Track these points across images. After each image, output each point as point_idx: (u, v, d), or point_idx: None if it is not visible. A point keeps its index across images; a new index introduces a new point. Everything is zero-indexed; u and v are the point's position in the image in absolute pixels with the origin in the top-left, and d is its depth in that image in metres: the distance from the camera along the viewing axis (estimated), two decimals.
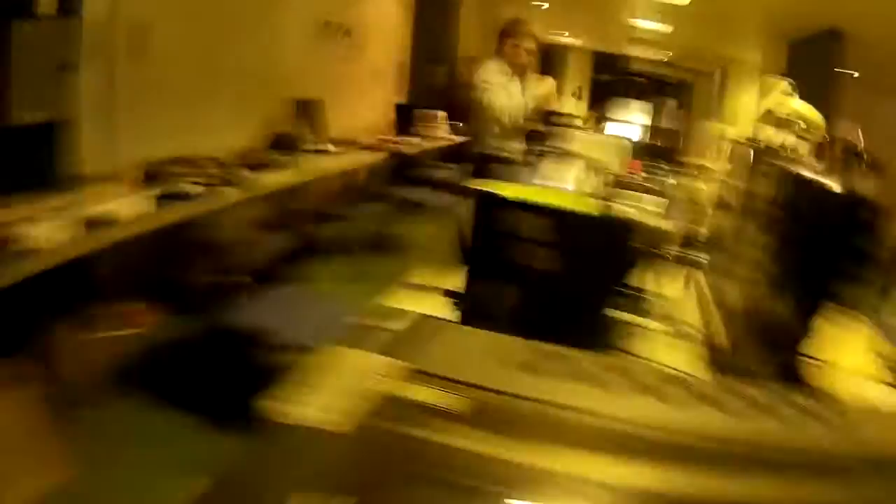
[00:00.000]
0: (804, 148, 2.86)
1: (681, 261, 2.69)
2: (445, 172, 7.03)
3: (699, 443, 1.29)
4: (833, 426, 1.35)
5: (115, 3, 3.58)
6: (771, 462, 1.27)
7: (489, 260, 1.76)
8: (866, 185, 1.54)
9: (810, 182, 1.75)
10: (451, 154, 7.64)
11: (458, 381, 1.30)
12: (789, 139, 2.89)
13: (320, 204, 5.87)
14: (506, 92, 4.30)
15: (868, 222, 1.44)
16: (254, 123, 5.11)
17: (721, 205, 3.33)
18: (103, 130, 3.60)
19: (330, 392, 1.16)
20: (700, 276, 2.71)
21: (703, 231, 3.09)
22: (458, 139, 7.61)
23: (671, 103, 17.33)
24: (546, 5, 10.44)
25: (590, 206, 1.76)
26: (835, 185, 1.60)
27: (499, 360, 1.43)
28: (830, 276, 1.48)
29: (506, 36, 4.40)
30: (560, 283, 1.70)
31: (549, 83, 4.54)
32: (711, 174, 5.76)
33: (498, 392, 1.33)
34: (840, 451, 1.28)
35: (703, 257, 2.77)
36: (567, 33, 14.31)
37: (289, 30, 5.53)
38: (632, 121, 17.05)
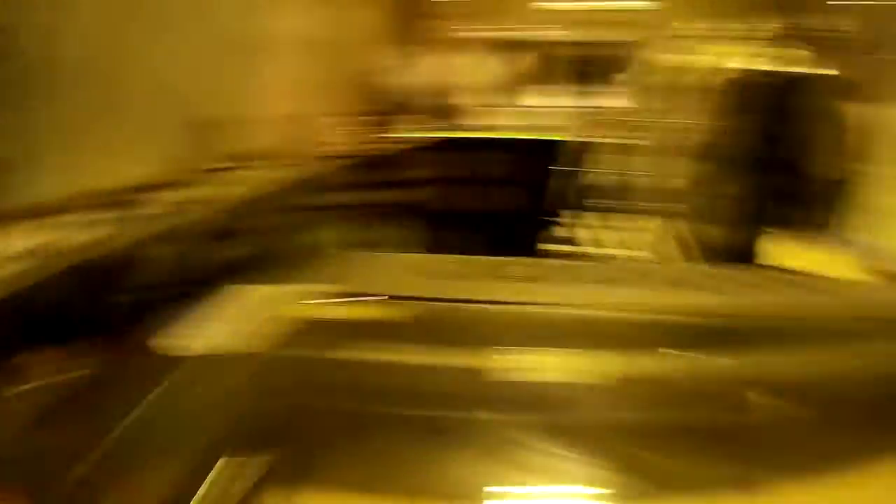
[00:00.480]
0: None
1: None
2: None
3: (670, 320, 1.39)
4: (818, 294, 1.47)
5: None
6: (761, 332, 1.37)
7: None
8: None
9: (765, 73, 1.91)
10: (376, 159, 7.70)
11: (391, 296, 1.35)
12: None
13: (243, 219, 5.88)
14: (413, 72, 4.35)
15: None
16: (163, 147, 5.07)
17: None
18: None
19: (241, 320, 1.18)
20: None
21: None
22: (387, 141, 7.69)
23: (614, 77, 17.65)
24: None
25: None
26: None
27: (428, 274, 1.48)
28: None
29: (422, 18, 4.45)
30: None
31: (526, 60, 4.63)
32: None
33: (439, 300, 1.37)
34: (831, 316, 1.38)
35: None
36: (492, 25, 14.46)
37: (190, 49, 5.51)
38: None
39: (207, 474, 0.92)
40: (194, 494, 0.89)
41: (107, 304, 4.06)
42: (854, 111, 5.42)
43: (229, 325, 1.20)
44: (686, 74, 4.79)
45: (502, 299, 1.45)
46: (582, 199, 3.94)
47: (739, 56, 5.20)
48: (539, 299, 1.44)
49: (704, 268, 1.41)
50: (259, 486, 0.94)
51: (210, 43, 6.13)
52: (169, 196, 4.18)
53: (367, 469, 1.04)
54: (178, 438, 1.02)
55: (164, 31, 5.28)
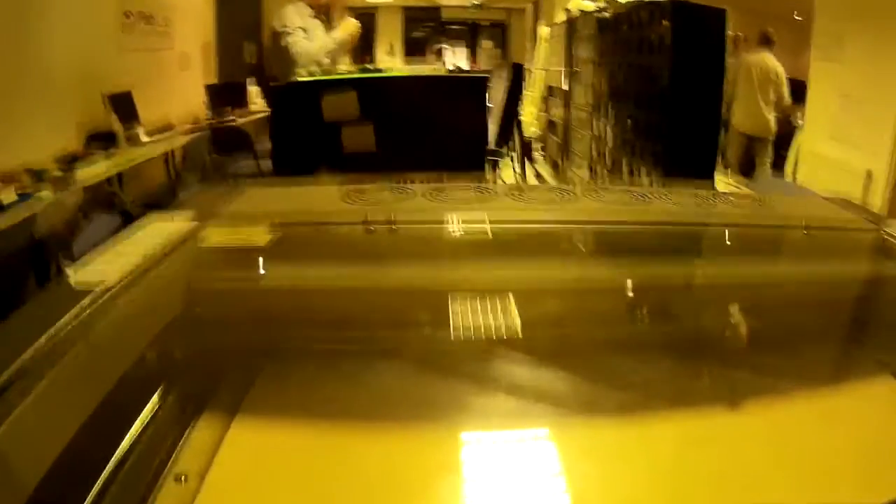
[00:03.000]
0: None
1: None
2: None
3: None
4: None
5: None
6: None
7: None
8: None
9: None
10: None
11: (279, 223, 1.32)
12: None
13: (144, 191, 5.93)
14: (306, 34, 4.37)
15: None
16: (65, 123, 5.05)
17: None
18: None
19: (152, 250, 1.14)
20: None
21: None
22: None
23: (487, 44, 17.79)
24: None
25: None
26: None
27: (324, 200, 1.49)
28: None
29: None
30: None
31: (352, 23, 4.65)
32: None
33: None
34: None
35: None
36: None
37: (89, 23, 5.48)
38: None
39: (139, 409, 0.90)
40: (126, 430, 0.85)
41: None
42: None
43: (142, 255, 1.14)
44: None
45: (421, 219, 1.42)
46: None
47: None
48: (472, 218, 1.41)
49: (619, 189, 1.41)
50: (194, 420, 0.91)
51: (112, 16, 6.06)
52: (78, 174, 4.24)
53: (317, 396, 1.01)
54: (96, 371, 0.94)
55: (68, 5, 5.23)
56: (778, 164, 6.14)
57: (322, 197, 1.60)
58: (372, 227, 1.36)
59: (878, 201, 3.62)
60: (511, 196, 1.55)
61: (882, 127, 3.67)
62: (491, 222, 1.41)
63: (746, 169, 6.53)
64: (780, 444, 0.92)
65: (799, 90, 5.53)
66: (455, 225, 1.40)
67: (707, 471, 0.87)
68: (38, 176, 3.97)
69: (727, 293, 1.36)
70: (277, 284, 1.30)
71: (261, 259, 1.28)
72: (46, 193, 3.85)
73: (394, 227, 1.35)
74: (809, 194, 2.46)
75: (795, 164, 5.08)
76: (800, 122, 5.54)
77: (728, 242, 1.52)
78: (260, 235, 1.27)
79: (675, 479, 0.86)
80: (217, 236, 1.29)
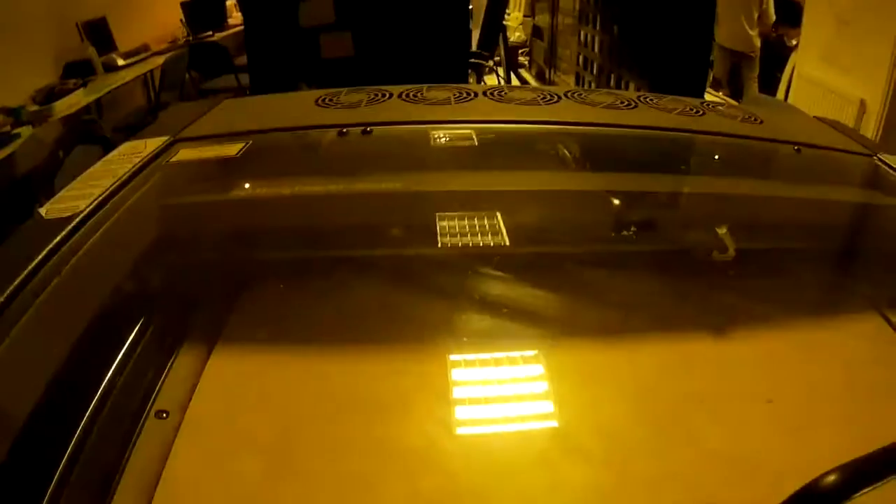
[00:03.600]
0: None
1: None
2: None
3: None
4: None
5: None
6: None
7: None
8: None
9: None
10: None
11: (282, 128, 1.30)
12: None
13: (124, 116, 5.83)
14: None
15: None
16: (41, 58, 4.93)
17: None
18: None
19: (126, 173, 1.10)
20: None
21: None
22: None
23: None
24: None
25: None
26: None
27: (298, 107, 1.42)
28: None
29: None
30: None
31: None
32: None
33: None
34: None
35: None
36: None
37: None
38: None
39: (119, 344, 0.88)
40: (107, 366, 0.84)
41: None
42: None
43: (112, 180, 1.11)
44: None
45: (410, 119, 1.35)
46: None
47: None
48: (457, 117, 1.35)
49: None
50: (174, 352, 0.90)
51: None
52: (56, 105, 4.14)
53: (295, 320, 1.00)
54: (73, 307, 0.92)
55: None
56: (771, 86, 6.05)
57: (297, 105, 1.54)
58: (345, 131, 1.30)
59: (870, 132, 3.57)
60: (491, 97, 1.48)
61: (878, 57, 3.59)
62: (471, 124, 1.36)
63: (734, 89, 6.45)
64: (763, 374, 0.92)
65: (796, 12, 5.40)
66: (434, 127, 1.35)
67: (687, 395, 0.86)
68: (15, 114, 3.87)
69: (714, 207, 1.33)
70: (250, 194, 1.26)
71: (232, 169, 1.23)
72: (24, 130, 3.76)
73: (368, 130, 1.30)
74: (801, 114, 2.41)
75: (788, 86, 4.99)
76: (794, 42, 5.43)
77: (716, 154, 1.49)
78: (231, 146, 1.22)
79: (655, 403, 0.86)
80: (189, 151, 1.24)
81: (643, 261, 1.18)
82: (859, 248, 1.31)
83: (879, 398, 0.87)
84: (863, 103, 3.69)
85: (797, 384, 0.90)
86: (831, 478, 0.49)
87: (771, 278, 1.15)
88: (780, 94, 5.21)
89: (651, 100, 1.51)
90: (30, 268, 0.89)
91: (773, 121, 1.54)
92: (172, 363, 0.89)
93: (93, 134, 4.89)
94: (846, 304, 1.13)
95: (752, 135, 1.42)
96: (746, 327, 1.02)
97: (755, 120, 1.48)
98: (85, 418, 0.77)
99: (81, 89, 4.53)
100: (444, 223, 1.10)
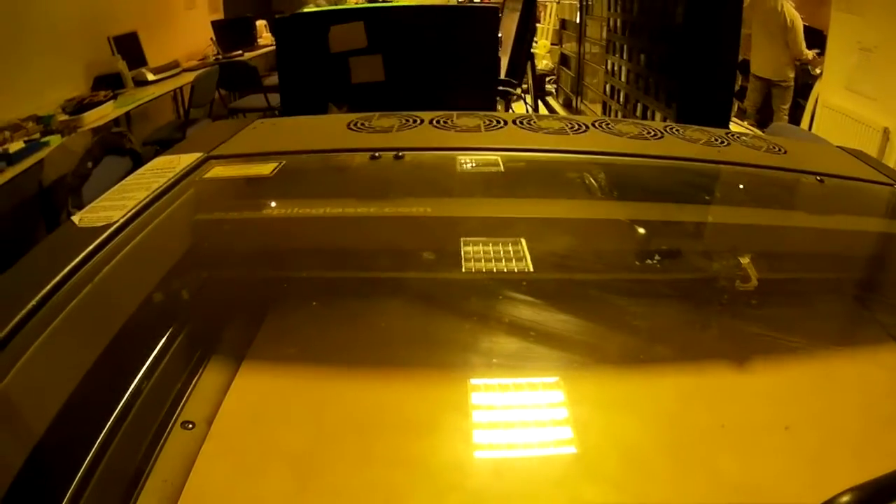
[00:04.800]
0: None
1: None
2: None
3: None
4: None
5: None
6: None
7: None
8: None
9: None
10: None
11: (311, 150, 1.33)
12: None
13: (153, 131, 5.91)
14: None
15: None
16: (72, 69, 5.03)
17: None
18: None
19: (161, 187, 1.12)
20: None
21: None
22: None
23: None
24: None
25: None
26: None
27: (330, 130, 1.44)
28: None
29: None
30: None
31: None
32: None
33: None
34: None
35: None
36: None
37: None
38: None
39: (147, 354, 0.89)
40: (134, 375, 0.85)
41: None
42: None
43: (146, 193, 1.12)
44: None
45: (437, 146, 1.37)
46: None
47: None
48: (485, 145, 1.37)
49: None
50: (203, 365, 0.91)
51: None
52: (86, 117, 4.20)
53: (323, 338, 1.00)
54: (103, 315, 0.93)
55: None
56: (796, 114, 6.05)
57: (329, 127, 1.57)
58: (377, 154, 1.32)
59: (893, 160, 3.55)
60: (520, 125, 1.50)
61: None
62: (499, 151, 1.38)
63: (764, 118, 6.44)
64: (781, 405, 0.92)
65: (820, 40, 5.41)
66: (463, 153, 1.37)
67: (706, 426, 0.86)
68: (44, 122, 3.93)
69: (737, 237, 1.33)
70: (282, 214, 1.27)
71: (265, 188, 1.25)
72: (54, 139, 3.81)
73: (399, 154, 1.32)
74: (824, 143, 2.41)
75: (812, 115, 4.99)
76: (818, 70, 5.42)
77: (740, 184, 1.49)
78: (265, 166, 1.25)
79: (673, 432, 0.86)
80: (222, 169, 1.26)
81: (666, 289, 1.19)
82: (879, 277, 1.31)
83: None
84: (886, 132, 3.67)
85: (815, 413, 0.91)
86: (845, 498, 0.49)
87: (791, 307, 1.16)
88: (805, 123, 5.21)
89: (676, 130, 1.52)
90: (62, 274, 0.90)
91: (796, 151, 1.55)
92: (200, 375, 0.90)
93: (122, 146, 4.97)
94: (865, 333, 1.13)
95: (775, 165, 1.43)
96: (766, 357, 1.01)
97: (779, 150, 1.49)
98: (109, 424, 0.78)
99: (111, 102, 4.60)
100: (469, 248, 1.11)
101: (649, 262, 1.20)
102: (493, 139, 1.39)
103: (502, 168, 1.34)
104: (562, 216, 1.31)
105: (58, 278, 0.89)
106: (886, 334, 1.09)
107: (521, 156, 1.39)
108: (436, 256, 1.18)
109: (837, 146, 1.70)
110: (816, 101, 4.89)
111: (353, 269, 1.17)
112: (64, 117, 4.10)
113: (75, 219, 1.05)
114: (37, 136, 3.80)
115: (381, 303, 1.07)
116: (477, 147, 1.36)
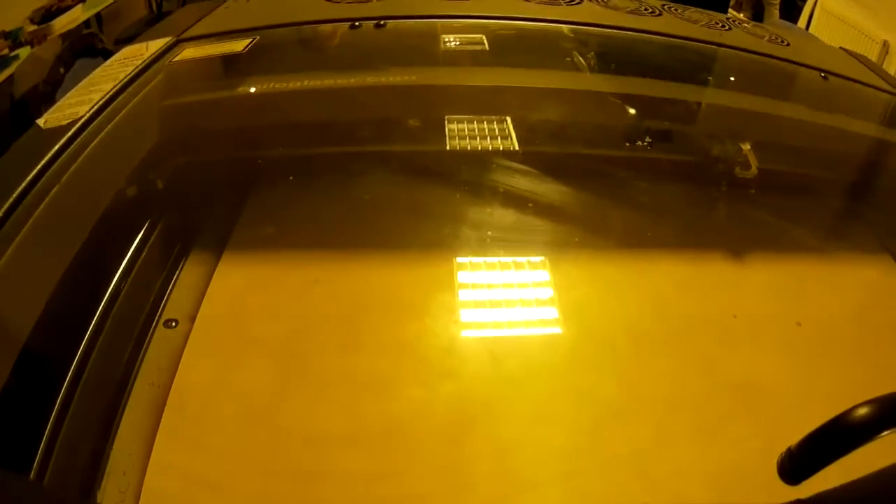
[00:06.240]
0: None
1: None
2: None
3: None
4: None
5: None
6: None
7: None
8: None
9: None
10: None
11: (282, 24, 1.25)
12: None
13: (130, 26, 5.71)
14: None
15: None
16: None
17: None
18: None
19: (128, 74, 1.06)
20: None
21: None
22: None
23: None
24: None
25: None
26: None
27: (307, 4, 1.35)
28: None
29: None
30: None
31: None
32: None
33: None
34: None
35: None
36: None
37: None
38: None
39: (125, 251, 0.85)
40: (113, 274, 0.81)
41: None
42: None
43: (112, 83, 1.05)
44: None
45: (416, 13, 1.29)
46: None
47: None
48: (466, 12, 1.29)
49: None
50: (182, 260, 0.87)
51: None
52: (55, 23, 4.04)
53: (304, 222, 0.97)
54: (77, 213, 0.89)
55: None
56: (791, 15, 5.88)
57: (305, 2, 1.45)
58: (357, 24, 1.24)
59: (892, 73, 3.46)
60: None
61: None
62: (487, 19, 1.30)
63: (757, 13, 6.28)
64: (778, 301, 0.89)
65: None
66: (448, 21, 1.30)
67: (699, 315, 0.85)
68: (12, 37, 3.77)
69: (736, 123, 1.27)
70: (257, 91, 1.20)
71: (238, 66, 1.18)
72: (23, 51, 3.66)
73: (381, 23, 1.24)
74: (826, 44, 2.33)
75: (809, 19, 4.84)
76: None
77: (741, 70, 1.43)
78: (237, 43, 1.17)
79: (667, 320, 0.84)
80: (192, 51, 1.18)
81: (660, 169, 1.14)
82: (874, 183, 1.27)
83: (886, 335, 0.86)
84: (886, 44, 3.57)
85: (810, 320, 0.87)
86: (862, 410, 0.45)
87: (789, 201, 1.12)
88: (801, 25, 5.08)
89: (676, 9, 1.45)
90: (29, 178, 0.85)
91: (799, 45, 1.49)
92: (181, 270, 0.86)
93: (94, 47, 4.81)
94: (854, 236, 1.11)
95: (779, 55, 1.37)
96: (762, 252, 0.99)
97: (782, 42, 1.43)
98: (91, 328, 0.74)
99: (80, 4, 4.41)
100: (454, 126, 1.06)
101: (647, 140, 1.15)
102: (480, 7, 1.31)
103: (489, 36, 1.27)
104: (551, 86, 1.25)
105: (25, 182, 0.84)
106: (874, 237, 1.06)
107: (512, 25, 1.32)
108: (421, 125, 1.13)
109: (841, 48, 1.65)
110: (815, 4, 4.75)
111: (331, 144, 1.12)
112: (32, 27, 3.92)
113: (40, 121, 0.99)
114: (5, 51, 3.64)
115: (363, 179, 1.02)
116: (464, 14, 1.28)
